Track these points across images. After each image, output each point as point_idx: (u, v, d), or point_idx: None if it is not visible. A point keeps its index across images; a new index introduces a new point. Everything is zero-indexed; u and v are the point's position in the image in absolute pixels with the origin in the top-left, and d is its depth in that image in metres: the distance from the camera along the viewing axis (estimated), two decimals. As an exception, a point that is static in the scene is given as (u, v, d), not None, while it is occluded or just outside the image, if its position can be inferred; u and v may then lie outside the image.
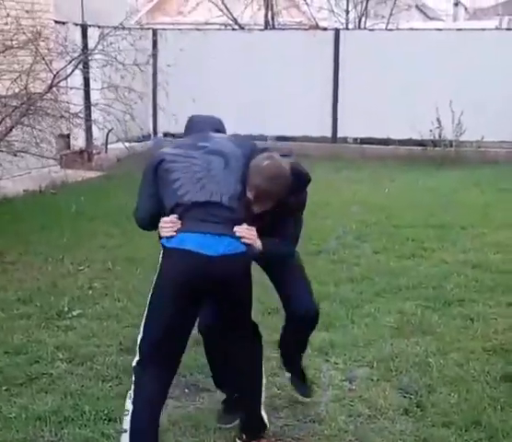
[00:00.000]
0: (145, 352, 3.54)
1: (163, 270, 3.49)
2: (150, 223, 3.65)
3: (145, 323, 3.55)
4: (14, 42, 8.99)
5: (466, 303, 6.07)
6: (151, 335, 3.52)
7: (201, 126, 3.81)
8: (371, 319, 5.71)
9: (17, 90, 9.21)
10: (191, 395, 4.49)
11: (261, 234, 3.61)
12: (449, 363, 4.92)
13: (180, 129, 4.05)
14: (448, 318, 5.74)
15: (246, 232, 3.50)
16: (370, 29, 16.95)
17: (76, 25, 13.03)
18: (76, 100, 11.30)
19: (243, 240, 3.48)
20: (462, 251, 7.63)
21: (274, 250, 3.77)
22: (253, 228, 3.55)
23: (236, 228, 3.47)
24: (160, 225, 3.51)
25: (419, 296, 6.23)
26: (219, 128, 3.87)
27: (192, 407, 4.34)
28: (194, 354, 4.88)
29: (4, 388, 4.53)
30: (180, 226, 3.44)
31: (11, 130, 9.22)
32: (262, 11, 18.00)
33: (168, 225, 3.46)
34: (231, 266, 3.46)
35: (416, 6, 25.97)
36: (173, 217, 3.46)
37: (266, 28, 17.55)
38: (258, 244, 3.59)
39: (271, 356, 4.97)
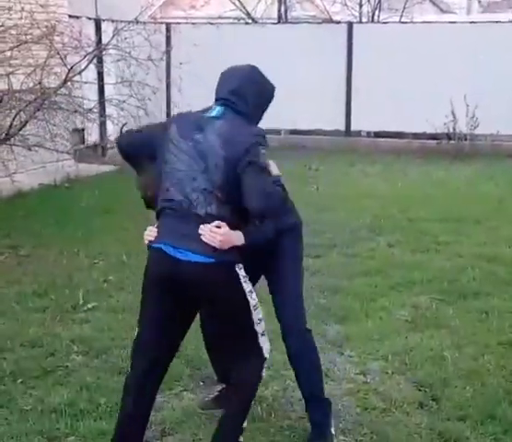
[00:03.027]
0: (132, 354, 3.59)
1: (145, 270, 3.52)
2: None
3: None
4: (28, 37, 9.02)
5: (481, 297, 6.04)
6: (137, 336, 3.54)
7: (220, 89, 3.59)
8: (385, 313, 5.70)
9: (31, 85, 9.24)
10: (206, 388, 4.49)
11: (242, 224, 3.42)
12: (464, 356, 4.90)
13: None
14: (463, 311, 5.72)
15: (209, 234, 3.28)
16: (384, 23, 16.90)
17: (90, 19, 13.07)
18: (90, 95, 11.33)
19: (208, 242, 3.27)
20: (477, 245, 7.60)
21: (259, 237, 3.53)
22: (223, 224, 3.30)
23: (200, 230, 3.28)
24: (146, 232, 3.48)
25: (434, 289, 6.21)
26: (240, 90, 3.55)
27: (206, 400, 4.34)
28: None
29: (19, 380, 4.56)
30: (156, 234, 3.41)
31: (26, 124, 9.26)
32: (276, 5, 17.99)
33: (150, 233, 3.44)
34: (198, 273, 3.32)
35: (430, 0, 25.86)
36: (153, 229, 3.43)
37: (279, 21, 17.53)
38: (235, 239, 3.36)
39: (284, 350, 4.99)
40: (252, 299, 3.46)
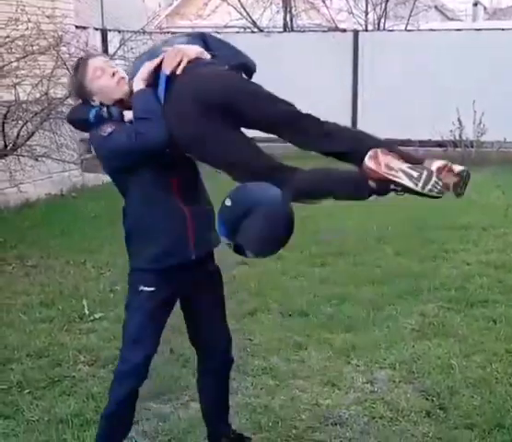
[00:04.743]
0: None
1: None
2: None
3: None
4: (35, 48, 9.04)
5: (489, 304, 6.02)
6: None
7: None
8: (393, 322, 5.68)
9: (38, 95, 9.26)
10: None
11: None
12: (472, 365, 4.88)
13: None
14: (471, 319, 5.70)
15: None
16: (389, 30, 16.92)
17: (97, 30, 13.13)
18: (97, 105, 11.33)
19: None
20: (484, 252, 7.58)
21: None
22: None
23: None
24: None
25: (441, 297, 6.20)
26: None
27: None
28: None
29: (26, 391, 4.56)
30: None
31: (33, 135, 9.29)
32: (281, 14, 18.02)
33: None
34: None
35: (435, 7, 25.89)
36: None
37: (285, 30, 17.56)
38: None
39: (290, 359, 5.00)
40: None
